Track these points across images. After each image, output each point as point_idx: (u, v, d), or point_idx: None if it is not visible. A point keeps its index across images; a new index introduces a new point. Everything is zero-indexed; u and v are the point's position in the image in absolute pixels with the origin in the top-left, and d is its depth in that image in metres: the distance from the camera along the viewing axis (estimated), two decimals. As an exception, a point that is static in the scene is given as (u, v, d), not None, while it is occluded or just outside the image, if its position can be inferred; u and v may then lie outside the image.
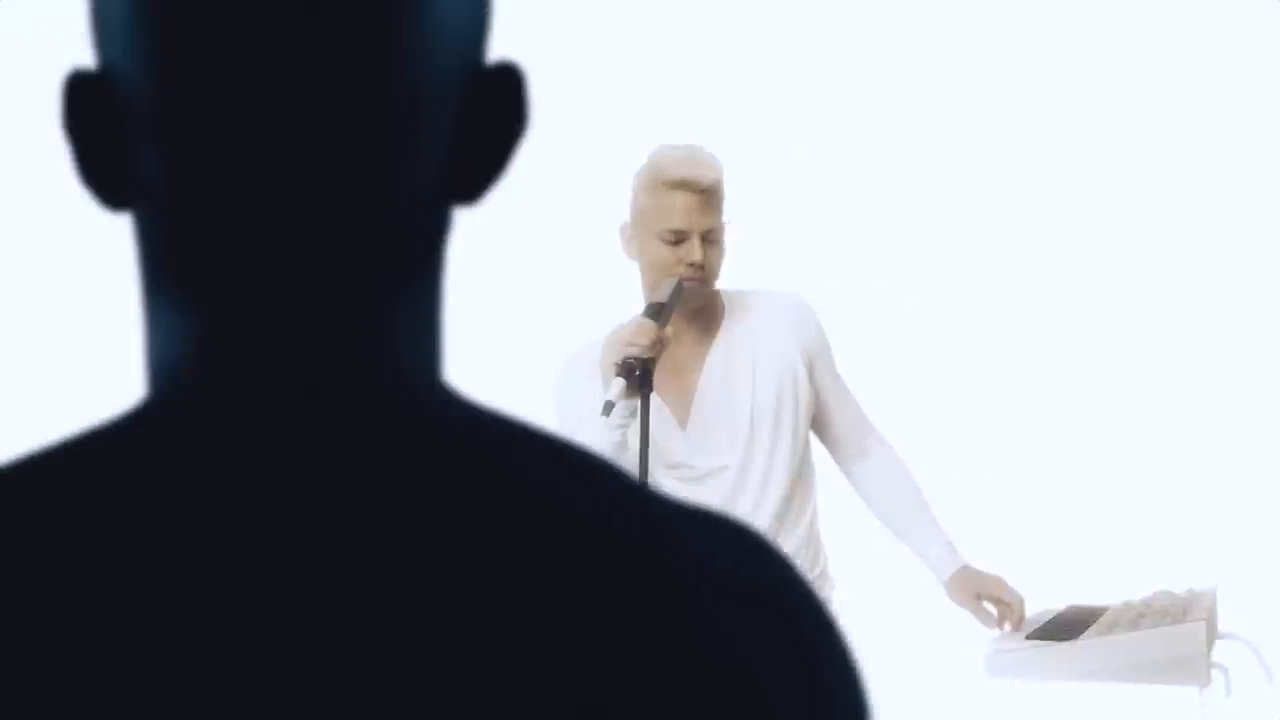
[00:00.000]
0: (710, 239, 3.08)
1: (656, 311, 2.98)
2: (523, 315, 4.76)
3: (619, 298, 3.29)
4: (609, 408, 2.87)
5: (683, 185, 3.06)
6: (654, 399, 3.05)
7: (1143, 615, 2.90)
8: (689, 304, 3.11)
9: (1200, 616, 2.77)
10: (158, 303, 0.74)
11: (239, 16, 0.69)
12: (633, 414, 2.95)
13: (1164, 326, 4.91)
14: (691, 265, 3.05)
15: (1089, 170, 4.97)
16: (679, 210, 3.05)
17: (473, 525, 0.69)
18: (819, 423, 3.26)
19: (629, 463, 2.98)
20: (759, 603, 0.72)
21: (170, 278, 0.73)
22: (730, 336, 3.19)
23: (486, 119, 0.75)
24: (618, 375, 2.90)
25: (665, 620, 0.69)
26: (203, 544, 0.68)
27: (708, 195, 3.07)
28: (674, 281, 3.03)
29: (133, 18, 0.71)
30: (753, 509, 3.16)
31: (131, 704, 0.65)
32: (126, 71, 0.72)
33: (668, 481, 3.14)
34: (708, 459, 3.15)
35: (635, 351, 2.91)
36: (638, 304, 3.11)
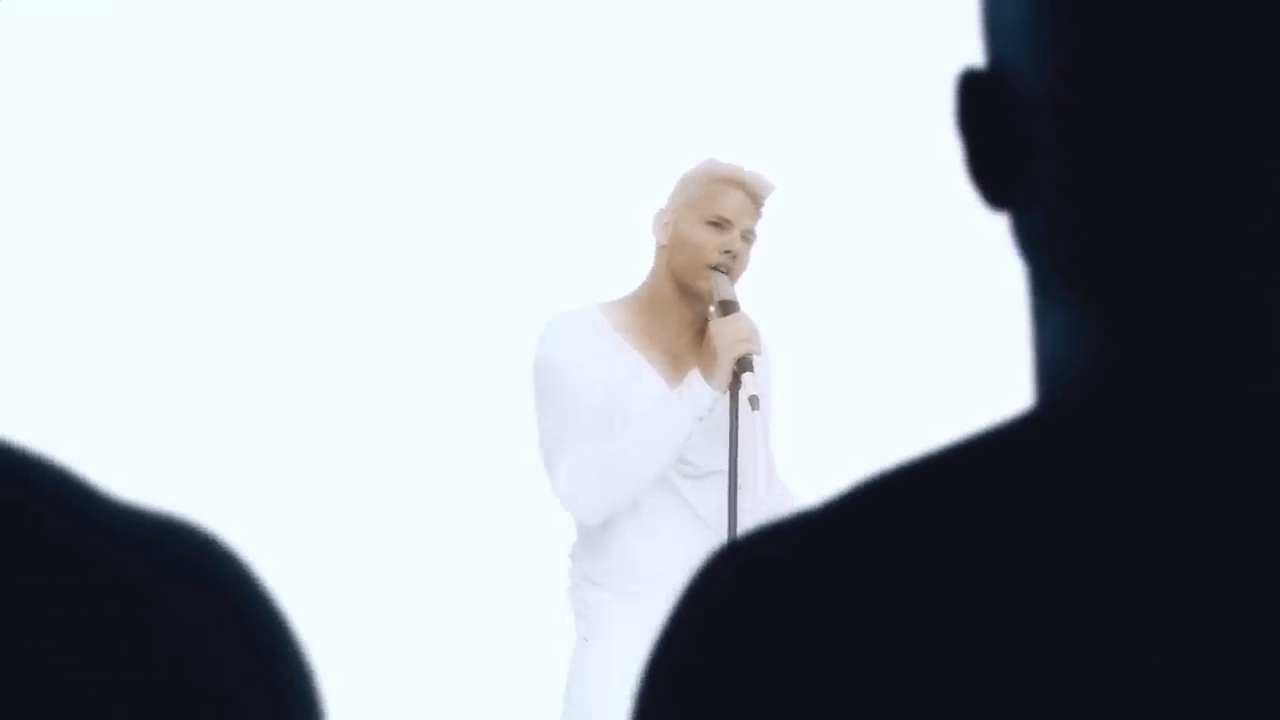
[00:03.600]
0: (746, 238, 3.17)
1: (733, 306, 3.06)
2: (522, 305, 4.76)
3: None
4: (756, 401, 2.95)
5: (739, 184, 3.16)
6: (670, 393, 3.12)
7: None
8: (704, 299, 3.17)
9: None
10: (1047, 302, 0.74)
11: (1150, 14, 0.68)
12: (709, 409, 3.03)
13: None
14: (727, 254, 3.11)
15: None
16: (729, 202, 3.15)
17: None
18: None
19: (678, 450, 3.03)
20: (218, 605, 0.72)
21: (1063, 276, 0.72)
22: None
23: None
24: (743, 371, 2.98)
25: (119, 623, 0.68)
26: (1112, 545, 0.68)
27: (757, 200, 3.18)
28: (721, 276, 3.11)
29: (1035, 17, 0.70)
30: (753, 505, 3.17)
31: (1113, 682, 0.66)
32: (1023, 69, 0.71)
33: (672, 475, 3.14)
34: (707, 460, 3.16)
35: (755, 349, 3.00)
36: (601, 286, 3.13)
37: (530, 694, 4.20)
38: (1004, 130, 0.73)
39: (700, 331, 3.20)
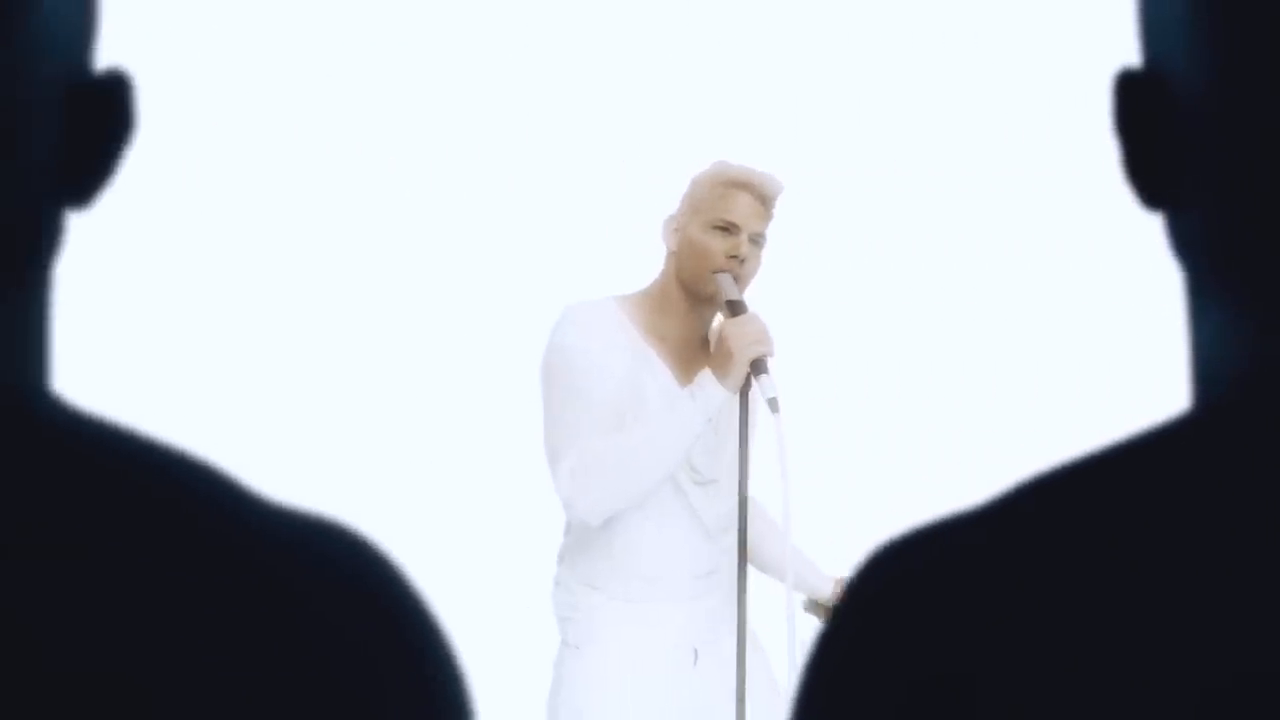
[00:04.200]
0: (755, 241, 3.14)
1: (740, 306, 3.04)
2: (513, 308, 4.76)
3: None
4: (776, 403, 2.92)
5: (746, 186, 3.14)
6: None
7: None
8: (712, 305, 3.17)
9: None
10: (1203, 302, 0.74)
11: None
12: (720, 410, 3.02)
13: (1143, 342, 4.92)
14: (734, 258, 3.10)
15: (1089, 171, 4.98)
16: (736, 206, 3.13)
17: (69, 528, 0.69)
18: None
19: (687, 451, 3.02)
20: (367, 605, 0.73)
21: (1220, 277, 0.73)
22: None
23: (92, 123, 0.76)
24: (759, 373, 2.96)
25: (271, 623, 0.70)
26: (1270, 548, 0.68)
27: (766, 203, 3.16)
28: (725, 276, 3.09)
29: (1193, 17, 0.70)
30: (756, 514, 3.17)
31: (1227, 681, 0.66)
32: (1182, 69, 0.71)
33: (680, 478, 3.13)
34: (712, 466, 3.15)
35: (769, 350, 2.98)
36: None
37: (503, 702, 4.16)
38: (1161, 130, 0.73)
39: (707, 339, 3.20)
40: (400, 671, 0.72)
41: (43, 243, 0.75)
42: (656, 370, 3.10)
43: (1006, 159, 4.99)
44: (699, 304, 3.14)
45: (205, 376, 5.06)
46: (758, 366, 2.95)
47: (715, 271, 3.08)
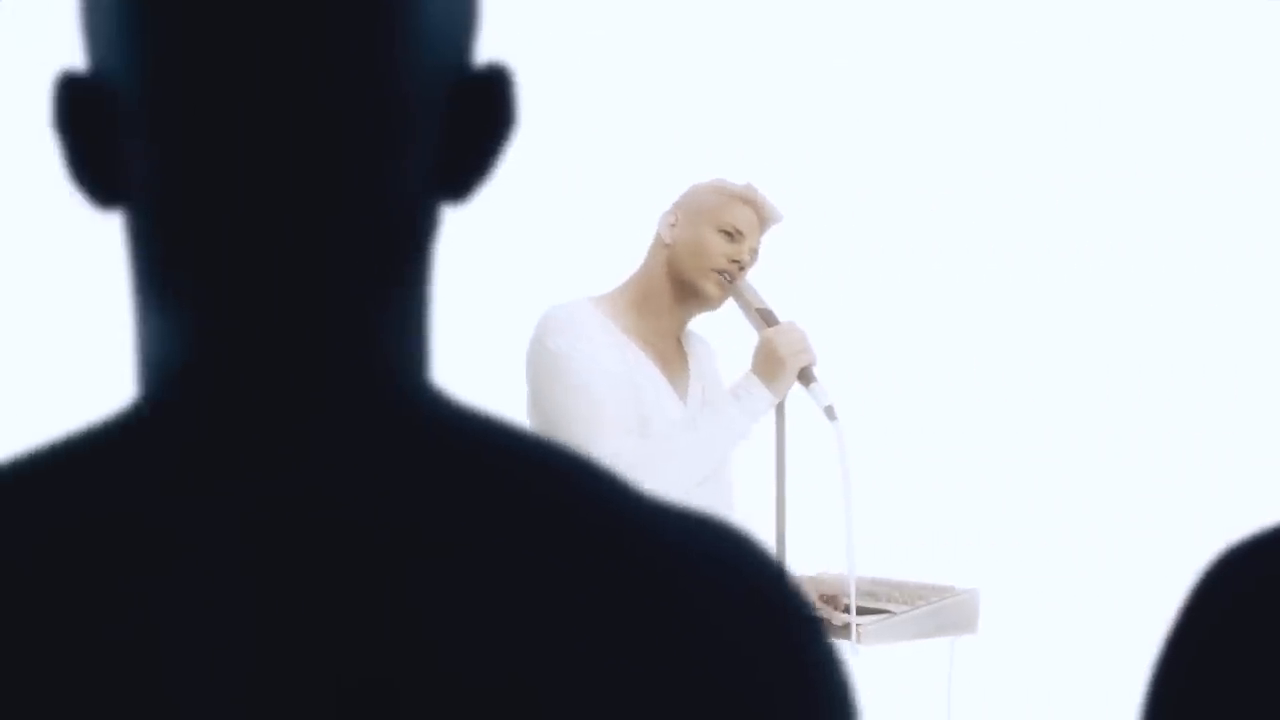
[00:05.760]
0: (752, 256, 3.20)
1: (772, 315, 3.10)
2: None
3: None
4: (833, 411, 2.99)
5: (751, 204, 3.19)
6: (673, 393, 3.14)
7: (918, 590, 3.33)
8: (704, 308, 3.20)
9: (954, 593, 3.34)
10: (147, 302, 0.75)
11: (229, 18, 0.70)
12: (765, 414, 3.05)
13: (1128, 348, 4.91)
14: (734, 263, 3.13)
15: (1088, 171, 4.98)
16: (742, 216, 3.18)
17: (456, 525, 0.70)
18: None
19: (729, 454, 3.05)
20: (749, 605, 0.73)
21: (159, 278, 0.74)
22: (698, 361, 3.28)
23: (474, 120, 0.76)
24: (808, 382, 3.02)
25: (654, 622, 0.70)
26: (196, 546, 0.69)
27: (764, 225, 3.20)
28: (748, 284, 3.14)
29: (122, 20, 0.72)
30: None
31: (125, 704, 0.66)
32: (116, 72, 0.73)
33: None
34: (720, 469, 3.17)
35: (814, 360, 3.04)
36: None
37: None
38: (99, 132, 0.74)
39: (680, 340, 3.22)
40: (783, 674, 0.72)
41: (424, 240, 0.76)
42: (647, 369, 3.10)
43: (1002, 160, 4.99)
44: (684, 301, 3.16)
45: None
46: (805, 375, 3.01)
47: (715, 269, 3.11)
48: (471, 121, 0.76)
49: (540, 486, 0.72)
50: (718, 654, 0.70)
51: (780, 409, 3.03)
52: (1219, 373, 4.89)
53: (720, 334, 3.38)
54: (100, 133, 0.74)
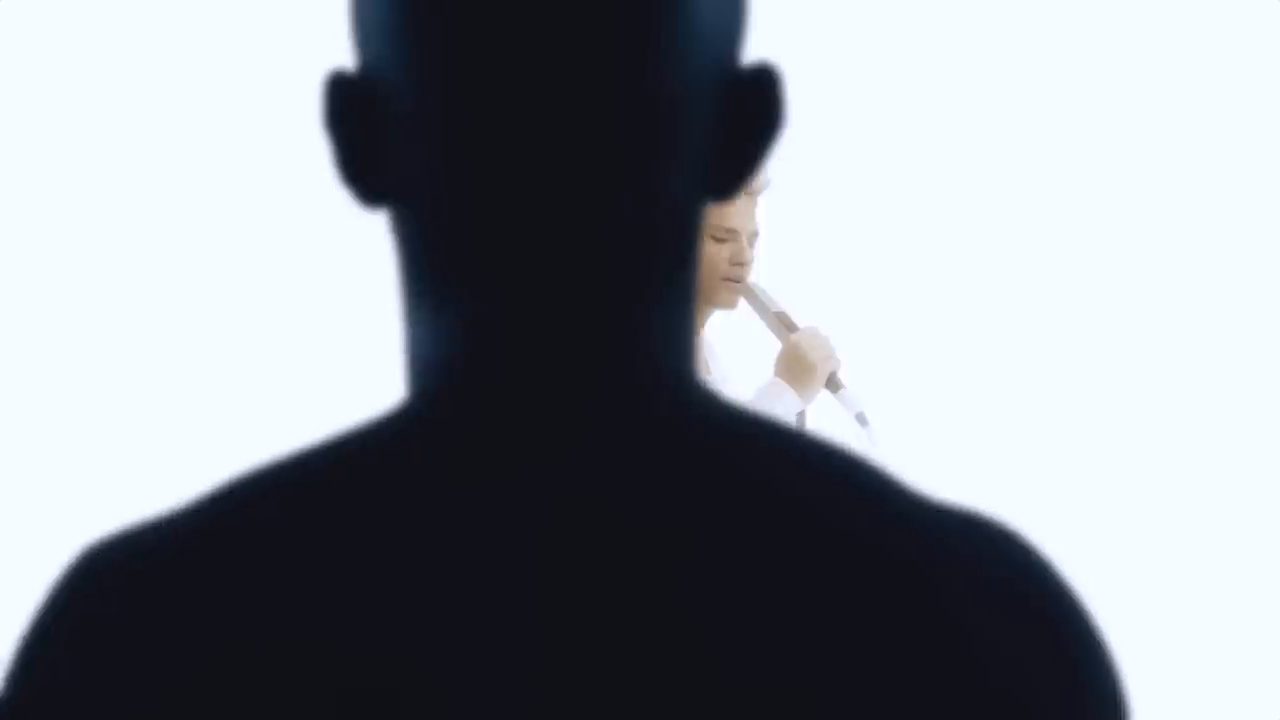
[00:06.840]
0: (751, 242, 3.20)
1: (791, 320, 3.13)
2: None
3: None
4: (864, 418, 3.03)
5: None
6: None
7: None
8: (723, 306, 3.23)
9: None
10: (419, 302, 0.75)
11: (505, 20, 0.70)
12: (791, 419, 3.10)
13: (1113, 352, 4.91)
14: (740, 265, 3.14)
15: (1087, 172, 4.97)
16: (734, 211, 3.17)
17: (731, 527, 0.69)
18: None
19: None
20: (1023, 606, 0.72)
21: (431, 277, 0.74)
22: (717, 362, 3.29)
23: (746, 120, 0.76)
24: (836, 388, 3.06)
25: (929, 627, 0.69)
26: (476, 545, 0.69)
27: (753, 200, 3.20)
28: (763, 289, 3.16)
29: (393, 20, 0.72)
30: None
31: (406, 700, 0.66)
32: (388, 73, 0.73)
33: None
34: None
35: (840, 366, 3.07)
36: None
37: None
38: (369, 133, 0.75)
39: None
40: (1059, 682, 0.71)
41: (692, 239, 0.76)
42: None
43: (1001, 160, 4.98)
44: (699, 310, 3.17)
45: (204, 376, 5.06)
46: (833, 382, 3.03)
47: (723, 278, 3.13)
48: (743, 122, 0.76)
49: (815, 489, 0.71)
50: (992, 659, 0.69)
51: (799, 416, 3.05)
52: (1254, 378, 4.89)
53: (720, 333, 3.36)
54: (371, 134, 0.75)
